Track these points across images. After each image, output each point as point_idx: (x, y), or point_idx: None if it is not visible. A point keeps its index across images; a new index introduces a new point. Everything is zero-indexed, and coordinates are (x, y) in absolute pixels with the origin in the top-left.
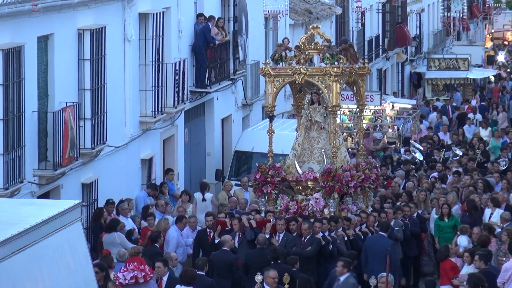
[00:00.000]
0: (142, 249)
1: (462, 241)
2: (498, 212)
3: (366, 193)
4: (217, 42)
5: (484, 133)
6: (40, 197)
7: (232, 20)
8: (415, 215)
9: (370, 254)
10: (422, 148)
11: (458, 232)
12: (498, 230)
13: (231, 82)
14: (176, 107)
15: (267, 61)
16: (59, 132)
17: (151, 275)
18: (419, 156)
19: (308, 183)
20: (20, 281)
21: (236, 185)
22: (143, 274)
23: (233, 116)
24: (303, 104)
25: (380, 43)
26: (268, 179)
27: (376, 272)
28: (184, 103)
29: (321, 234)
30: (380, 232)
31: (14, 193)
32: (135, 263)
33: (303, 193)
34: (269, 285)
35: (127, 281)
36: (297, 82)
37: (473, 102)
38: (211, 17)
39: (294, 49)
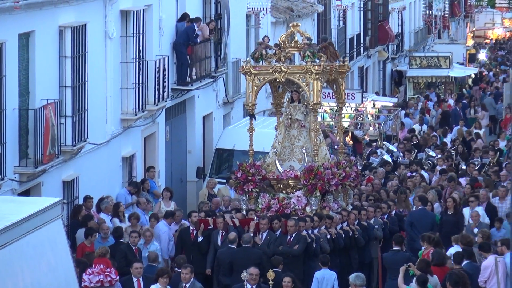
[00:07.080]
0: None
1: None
2: (479, 210)
3: (347, 191)
4: (198, 41)
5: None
6: (20, 194)
7: (214, 17)
8: (393, 213)
9: (418, 226)
10: (395, 150)
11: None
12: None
13: (213, 79)
14: (157, 105)
15: (247, 59)
16: (40, 130)
17: (117, 278)
18: (386, 158)
19: (289, 181)
20: (0, 277)
21: (219, 183)
22: (108, 279)
23: (214, 113)
24: (282, 103)
25: (362, 41)
26: (250, 177)
27: None
28: (165, 101)
29: (305, 232)
30: (421, 207)
31: None
32: (101, 266)
33: (284, 191)
34: (249, 282)
35: (92, 285)
36: (277, 80)
37: (450, 101)
38: (198, 19)
39: (274, 47)
